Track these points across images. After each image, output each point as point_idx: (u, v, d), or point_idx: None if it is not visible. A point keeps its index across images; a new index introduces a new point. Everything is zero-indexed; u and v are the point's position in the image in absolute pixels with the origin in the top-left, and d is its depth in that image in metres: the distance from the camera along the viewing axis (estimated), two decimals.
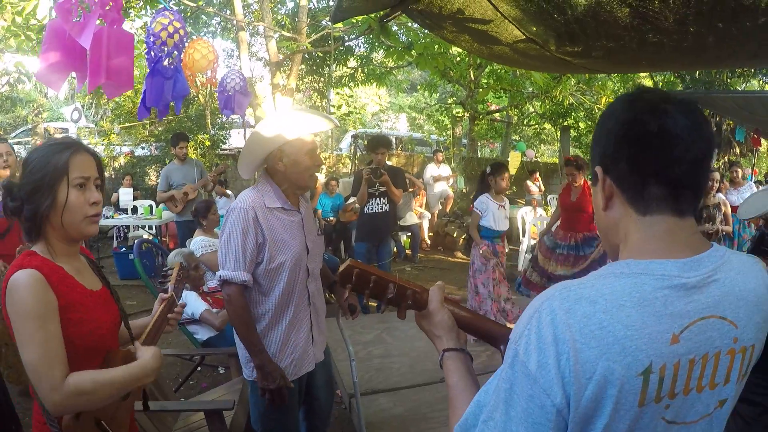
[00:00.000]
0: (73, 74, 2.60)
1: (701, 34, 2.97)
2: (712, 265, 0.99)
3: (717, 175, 6.37)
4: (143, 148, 14.19)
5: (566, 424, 0.92)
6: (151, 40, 2.97)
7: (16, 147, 10.94)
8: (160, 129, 13.38)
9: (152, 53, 2.96)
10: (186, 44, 3.21)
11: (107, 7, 2.38)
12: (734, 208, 6.60)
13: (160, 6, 4.25)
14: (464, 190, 14.02)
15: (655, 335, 0.91)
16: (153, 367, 1.73)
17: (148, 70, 3.01)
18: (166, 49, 2.98)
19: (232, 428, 3.09)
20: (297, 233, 2.67)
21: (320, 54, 11.13)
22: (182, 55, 3.21)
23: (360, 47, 13.23)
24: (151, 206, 10.24)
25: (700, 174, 1.01)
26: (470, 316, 1.31)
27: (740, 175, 8.07)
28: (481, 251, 5.37)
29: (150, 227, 9.77)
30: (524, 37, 3.63)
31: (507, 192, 5.82)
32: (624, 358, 0.89)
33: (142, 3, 7.51)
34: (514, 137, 20.07)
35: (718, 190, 6.41)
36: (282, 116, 2.59)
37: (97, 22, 2.33)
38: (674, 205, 1.01)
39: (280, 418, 2.73)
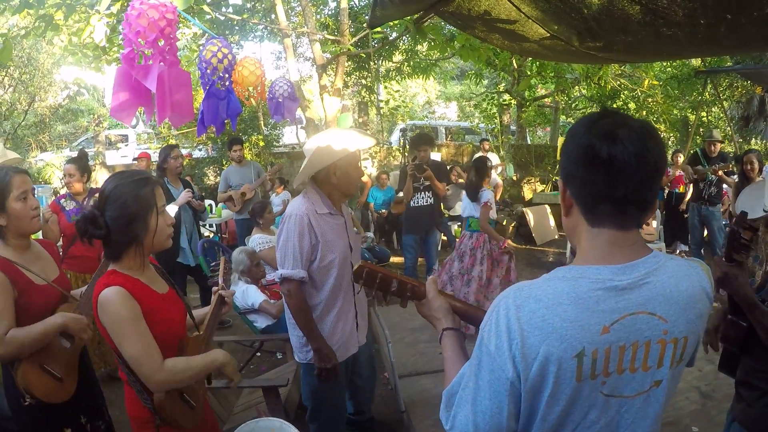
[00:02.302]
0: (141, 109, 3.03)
1: (712, 25, 3.05)
2: (645, 270, 1.20)
3: (753, 157, 6.29)
4: (200, 150, 14.77)
5: (520, 392, 1.18)
6: (204, 66, 3.35)
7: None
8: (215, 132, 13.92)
9: (205, 78, 3.36)
10: (235, 64, 3.57)
11: (166, 56, 2.78)
12: None
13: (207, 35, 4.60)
14: (514, 178, 14.05)
15: (587, 326, 1.14)
16: (222, 353, 2.17)
17: (203, 94, 3.41)
18: (218, 73, 3.37)
19: (287, 403, 3.46)
20: (342, 234, 3.04)
21: (363, 55, 11.39)
22: (233, 74, 3.58)
23: (404, 41, 13.41)
24: (210, 205, 10.66)
25: (645, 193, 1.19)
26: (460, 304, 1.58)
27: None
28: (505, 246, 5.50)
29: (210, 225, 10.19)
30: (549, 34, 3.79)
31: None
32: (561, 344, 1.13)
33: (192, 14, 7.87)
34: (565, 118, 19.82)
35: (760, 171, 6.30)
36: (334, 134, 2.95)
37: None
38: (620, 220, 1.21)
39: (329, 394, 3.10)
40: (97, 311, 1.90)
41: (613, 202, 1.19)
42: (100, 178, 14.11)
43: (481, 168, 5.65)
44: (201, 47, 3.63)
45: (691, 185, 7.95)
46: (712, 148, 7.50)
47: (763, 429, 2.14)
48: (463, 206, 5.79)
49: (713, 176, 7.19)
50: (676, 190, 9.00)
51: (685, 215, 9.02)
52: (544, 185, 14.56)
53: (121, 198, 1.94)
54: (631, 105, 14.24)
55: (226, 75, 3.41)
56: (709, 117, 16.25)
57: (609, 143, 1.16)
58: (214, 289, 2.42)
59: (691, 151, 8.93)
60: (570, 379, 1.15)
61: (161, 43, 2.83)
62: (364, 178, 10.33)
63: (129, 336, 1.88)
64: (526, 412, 1.21)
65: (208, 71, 3.32)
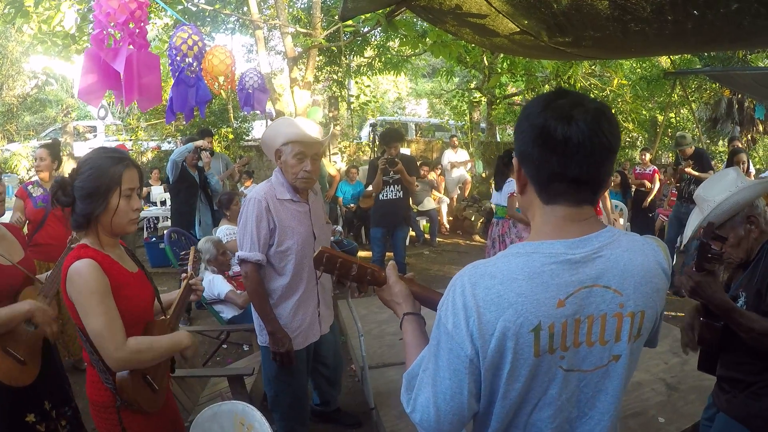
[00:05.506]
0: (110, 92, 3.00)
1: (679, 21, 3.10)
2: (599, 244, 1.21)
3: (744, 157, 6.43)
4: (169, 143, 14.59)
5: (479, 370, 1.18)
6: (174, 53, 3.32)
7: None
8: (184, 124, 13.79)
9: (175, 64, 3.33)
10: (205, 52, 3.54)
11: (135, 39, 2.75)
12: None
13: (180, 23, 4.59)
14: (483, 175, 14.11)
15: (542, 300, 1.15)
16: (186, 335, 2.13)
17: (173, 80, 3.38)
18: (187, 60, 3.34)
19: (252, 393, 3.45)
20: (304, 221, 3.05)
21: (334, 48, 11.36)
22: (202, 62, 3.54)
23: (376, 36, 13.40)
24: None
25: (598, 173, 1.20)
26: (420, 289, 1.57)
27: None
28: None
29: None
30: (518, 29, 3.82)
31: None
32: (517, 318, 1.13)
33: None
34: None
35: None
36: (287, 122, 2.99)
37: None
38: (573, 197, 1.22)
39: (289, 381, 3.11)
40: (66, 285, 1.88)
41: (567, 182, 1.20)
42: (67, 169, 13.82)
43: (509, 160, 5.98)
44: (171, 35, 3.60)
45: (675, 185, 8.05)
46: (682, 154, 7.61)
47: (749, 416, 2.20)
48: (493, 196, 6.39)
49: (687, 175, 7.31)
50: (642, 188, 9.17)
51: (650, 214, 9.20)
52: None
53: (89, 170, 1.94)
54: None
55: (196, 62, 3.39)
56: (678, 118, 16.52)
57: (564, 124, 1.16)
58: (183, 276, 2.43)
59: (664, 154, 9.11)
60: (528, 354, 1.15)
61: (131, 25, 2.80)
62: (333, 172, 10.31)
63: (94, 309, 1.86)
64: (487, 390, 1.21)
65: (178, 58, 3.29)
